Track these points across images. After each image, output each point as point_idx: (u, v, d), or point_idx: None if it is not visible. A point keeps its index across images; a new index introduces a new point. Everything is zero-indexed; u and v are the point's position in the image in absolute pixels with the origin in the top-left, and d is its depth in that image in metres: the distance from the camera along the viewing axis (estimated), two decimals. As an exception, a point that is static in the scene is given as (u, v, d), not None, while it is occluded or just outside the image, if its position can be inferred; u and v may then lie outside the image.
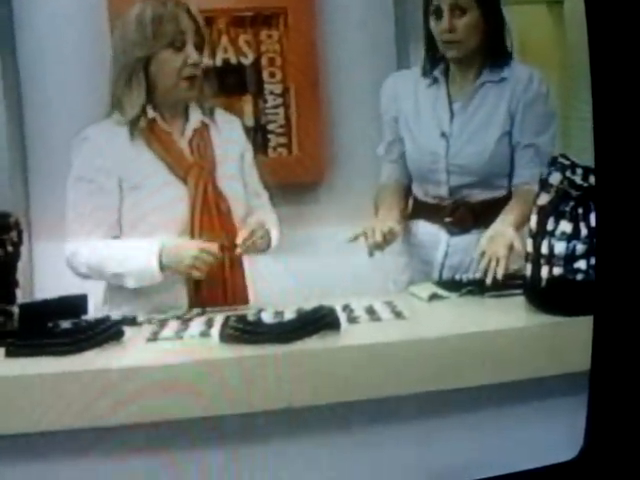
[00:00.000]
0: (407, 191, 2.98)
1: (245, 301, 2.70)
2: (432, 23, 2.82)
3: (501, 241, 2.58)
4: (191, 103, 2.71)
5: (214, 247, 2.54)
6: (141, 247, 2.57)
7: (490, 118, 2.87)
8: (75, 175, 2.65)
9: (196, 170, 2.65)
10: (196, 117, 2.72)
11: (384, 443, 2.05)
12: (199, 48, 2.64)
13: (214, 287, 2.63)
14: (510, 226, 2.65)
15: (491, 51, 2.86)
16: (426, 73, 2.93)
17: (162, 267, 2.54)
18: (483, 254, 2.56)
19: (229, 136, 2.79)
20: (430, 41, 2.87)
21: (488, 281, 2.48)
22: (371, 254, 2.67)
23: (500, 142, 2.85)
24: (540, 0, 4.82)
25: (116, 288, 2.65)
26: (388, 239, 2.69)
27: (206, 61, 2.67)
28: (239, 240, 2.58)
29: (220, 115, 2.80)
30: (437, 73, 2.91)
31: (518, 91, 2.84)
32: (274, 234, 2.76)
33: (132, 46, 2.61)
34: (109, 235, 2.63)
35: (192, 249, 2.53)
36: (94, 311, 2.44)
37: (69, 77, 3.73)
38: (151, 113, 2.64)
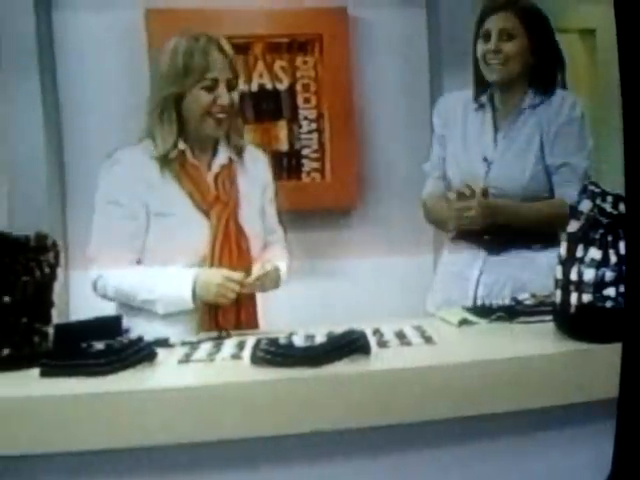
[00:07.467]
0: None
1: (255, 326, 2.74)
2: (480, 46, 2.87)
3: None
4: (221, 140, 2.75)
5: (238, 275, 2.59)
6: (175, 276, 2.61)
7: (528, 144, 2.91)
8: (104, 198, 2.69)
9: (220, 206, 2.69)
10: (224, 153, 2.76)
11: (411, 469, 2.05)
12: (232, 86, 2.67)
13: (227, 312, 2.66)
14: None
15: (535, 80, 2.89)
16: (475, 97, 3.00)
17: (194, 296, 2.59)
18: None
19: (253, 174, 2.83)
20: (477, 66, 2.93)
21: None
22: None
23: (537, 166, 2.89)
24: (573, 29, 4.84)
25: (128, 309, 2.66)
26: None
27: (236, 99, 2.70)
28: (250, 279, 2.61)
29: (248, 152, 2.84)
30: (484, 99, 2.97)
31: (550, 115, 2.89)
32: (283, 271, 2.79)
33: (165, 82, 2.65)
34: (134, 259, 2.67)
35: (218, 277, 2.58)
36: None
37: (107, 102, 3.80)
38: (181, 145, 2.68)
